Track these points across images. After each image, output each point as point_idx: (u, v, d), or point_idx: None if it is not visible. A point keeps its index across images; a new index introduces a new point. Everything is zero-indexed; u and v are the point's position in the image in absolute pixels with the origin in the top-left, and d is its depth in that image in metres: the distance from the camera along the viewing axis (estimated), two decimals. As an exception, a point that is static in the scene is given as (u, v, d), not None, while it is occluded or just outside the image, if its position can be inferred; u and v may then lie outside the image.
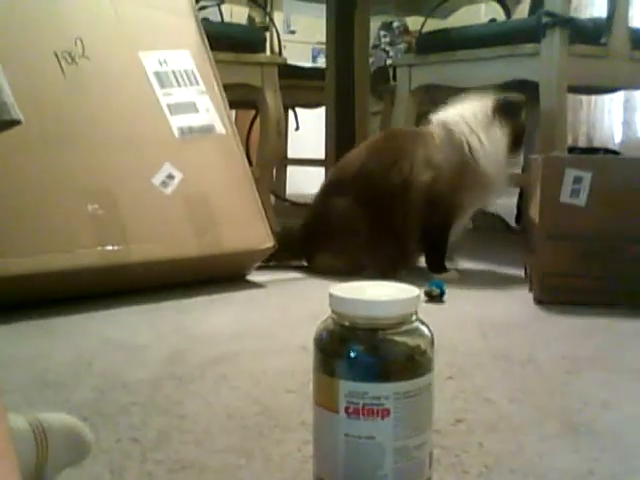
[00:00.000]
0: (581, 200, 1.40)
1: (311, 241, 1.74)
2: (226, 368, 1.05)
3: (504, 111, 1.62)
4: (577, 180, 1.40)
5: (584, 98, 4.22)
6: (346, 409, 0.61)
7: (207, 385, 0.98)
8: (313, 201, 1.81)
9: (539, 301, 1.45)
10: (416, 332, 0.63)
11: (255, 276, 1.67)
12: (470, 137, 1.61)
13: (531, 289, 1.52)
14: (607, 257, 1.40)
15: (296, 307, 1.43)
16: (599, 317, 1.35)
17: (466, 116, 1.63)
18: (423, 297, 1.41)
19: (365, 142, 1.84)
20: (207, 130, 1.65)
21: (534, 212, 1.52)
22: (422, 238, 1.67)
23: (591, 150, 3.49)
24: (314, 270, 1.72)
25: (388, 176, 1.64)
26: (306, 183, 2.70)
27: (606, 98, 4.24)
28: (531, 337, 1.24)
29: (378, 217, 1.65)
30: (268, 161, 2.34)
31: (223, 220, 1.57)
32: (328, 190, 1.77)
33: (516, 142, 1.64)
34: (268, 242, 1.63)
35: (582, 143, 4.27)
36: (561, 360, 1.10)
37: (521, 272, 1.69)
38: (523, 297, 1.50)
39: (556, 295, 1.43)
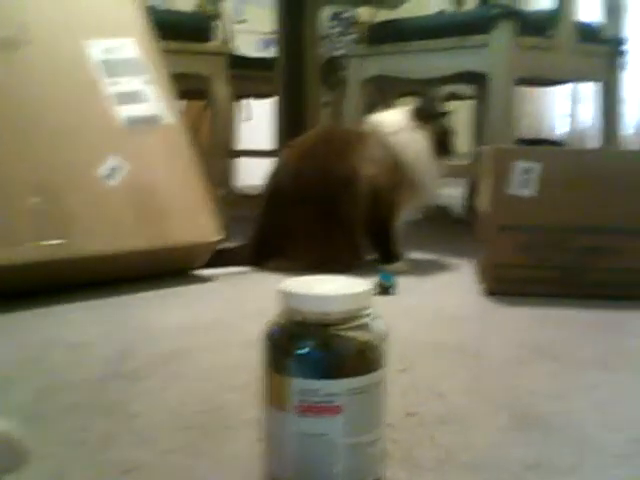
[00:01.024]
0: (531, 191, 1.41)
1: (261, 252, 1.71)
2: (175, 365, 1.03)
3: (421, 115, 1.71)
4: (527, 171, 1.41)
5: (528, 90, 4.27)
6: (297, 407, 0.59)
7: (155, 383, 0.96)
8: (258, 213, 1.75)
9: (490, 292, 1.45)
10: (368, 327, 0.62)
11: (203, 270, 1.64)
12: (395, 138, 1.68)
13: (481, 280, 1.52)
14: (558, 248, 1.41)
15: (245, 302, 1.41)
16: (550, 308, 1.36)
17: (391, 120, 1.72)
18: (374, 290, 1.40)
19: (298, 141, 1.77)
20: (154, 120, 1.61)
21: (484, 203, 1.52)
22: (367, 232, 1.69)
23: (537, 142, 3.54)
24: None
25: (334, 172, 1.64)
26: (256, 174, 2.67)
27: (548, 90, 4.31)
28: (482, 329, 1.25)
29: (324, 214, 1.65)
30: (217, 152, 2.31)
31: (170, 213, 1.54)
32: (270, 200, 1.72)
33: (441, 145, 1.71)
34: (216, 235, 1.60)
35: (526, 135, 4.34)
36: (512, 352, 1.11)
37: (470, 263, 1.70)
38: (473, 288, 1.51)
39: (508, 286, 1.44)
